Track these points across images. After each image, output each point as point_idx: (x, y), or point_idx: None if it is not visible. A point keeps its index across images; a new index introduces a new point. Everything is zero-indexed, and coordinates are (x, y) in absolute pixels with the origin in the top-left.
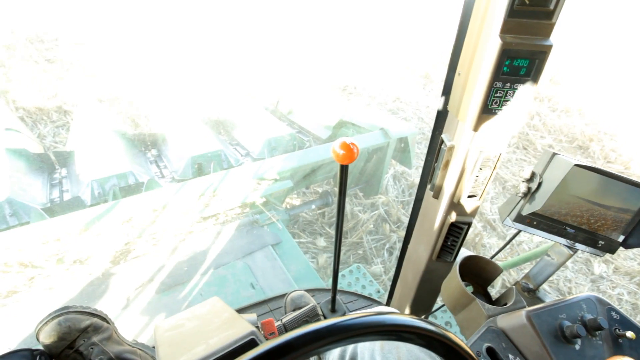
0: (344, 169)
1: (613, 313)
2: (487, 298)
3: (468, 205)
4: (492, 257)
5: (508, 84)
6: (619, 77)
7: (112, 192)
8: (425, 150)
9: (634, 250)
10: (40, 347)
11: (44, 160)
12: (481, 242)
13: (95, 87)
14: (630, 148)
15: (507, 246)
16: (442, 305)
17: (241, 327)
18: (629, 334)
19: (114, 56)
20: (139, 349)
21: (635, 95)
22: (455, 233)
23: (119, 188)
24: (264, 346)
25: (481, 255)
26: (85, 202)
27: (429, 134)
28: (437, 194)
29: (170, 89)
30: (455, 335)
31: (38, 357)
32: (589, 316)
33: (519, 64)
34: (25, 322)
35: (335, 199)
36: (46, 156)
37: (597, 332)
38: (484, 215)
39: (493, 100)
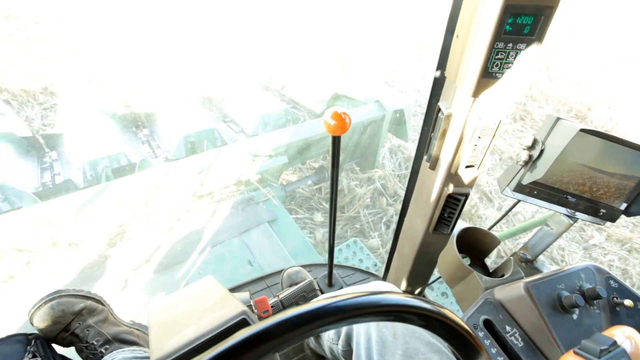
0: (336, 140)
1: (612, 282)
2: (485, 270)
3: (466, 176)
4: (490, 228)
5: (510, 45)
6: (618, 46)
7: (105, 174)
8: (422, 123)
9: (627, 218)
10: (36, 332)
11: (33, 143)
12: (477, 213)
13: (82, 67)
14: (627, 118)
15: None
16: (438, 277)
17: (233, 307)
18: (627, 302)
19: (101, 34)
20: (136, 329)
21: (633, 65)
22: (452, 205)
23: (112, 169)
24: (238, 335)
25: (478, 226)
26: (77, 184)
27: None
28: (433, 165)
29: (160, 66)
30: (451, 306)
31: (33, 341)
32: (587, 285)
33: (522, 21)
34: (22, 307)
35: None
36: (35, 139)
37: (595, 301)
38: (480, 187)
39: (494, 63)
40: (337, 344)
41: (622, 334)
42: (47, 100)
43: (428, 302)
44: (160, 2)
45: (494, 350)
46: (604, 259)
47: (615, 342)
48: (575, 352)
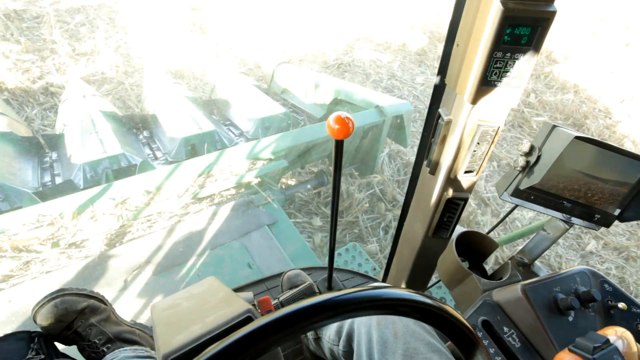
0: (339, 145)
1: (606, 285)
2: (483, 273)
3: (465, 181)
4: (488, 232)
5: (508, 54)
6: (616, 54)
7: (105, 175)
8: (421, 129)
9: (623, 226)
10: (39, 330)
11: (33, 143)
12: (475, 219)
13: (83, 67)
14: (624, 125)
15: (501, 224)
16: (437, 282)
17: (237, 305)
18: (621, 305)
19: (102, 35)
20: (138, 329)
21: (630, 73)
22: (451, 209)
23: (112, 171)
24: (258, 322)
25: (477, 230)
26: (78, 185)
27: (425, 112)
28: (433, 170)
29: (161, 68)
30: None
31: (36, 339)
32: (582, 289)
33: (520, 32)
34: (23, 306)
35: (331, 179)
36: (35, 140)
37: (590, 304)
38: (478, 193)
39: (492, 71)
40: (337, 345)
41: (615, 334)
42: (47, 101)
43: (428, 297)
44: (161, 1)
45: (492, 350)
46: (601, 266)
47: (608, 340)
48: (570, 350)
